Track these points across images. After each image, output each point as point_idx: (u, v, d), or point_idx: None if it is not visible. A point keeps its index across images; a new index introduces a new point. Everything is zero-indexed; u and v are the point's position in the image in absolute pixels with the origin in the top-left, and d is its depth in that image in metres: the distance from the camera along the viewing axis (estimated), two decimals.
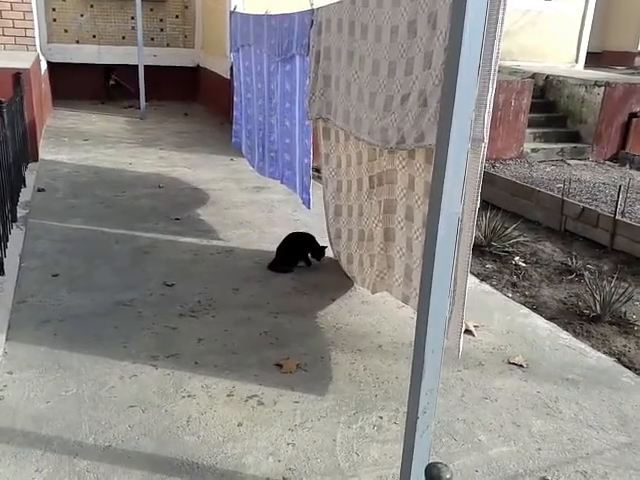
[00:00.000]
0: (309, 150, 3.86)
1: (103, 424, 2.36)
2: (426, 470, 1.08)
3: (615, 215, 5.33)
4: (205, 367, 2.78)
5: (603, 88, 7.86)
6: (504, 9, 1.87)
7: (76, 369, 2.71)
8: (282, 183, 4.52)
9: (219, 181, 6.01)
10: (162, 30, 10.56)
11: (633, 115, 8.14)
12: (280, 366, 2.81)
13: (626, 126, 8.19)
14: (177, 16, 10.60)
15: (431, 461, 1.42)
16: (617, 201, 5.36)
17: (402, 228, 2.86)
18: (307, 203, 4.02)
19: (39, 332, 2.99)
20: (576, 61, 10.22)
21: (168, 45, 10.69)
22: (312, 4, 3.68)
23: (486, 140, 2.14)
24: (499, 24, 1.94)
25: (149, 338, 3.01)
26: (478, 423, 2.48)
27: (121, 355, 2.84)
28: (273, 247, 4.30)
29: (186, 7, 10.60)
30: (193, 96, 10.77)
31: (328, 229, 3.88)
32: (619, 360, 3.27)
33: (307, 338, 3.09)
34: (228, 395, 2.59)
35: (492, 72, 2.03)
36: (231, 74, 8.81)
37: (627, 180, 6.76)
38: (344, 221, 3.54)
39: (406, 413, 1.90)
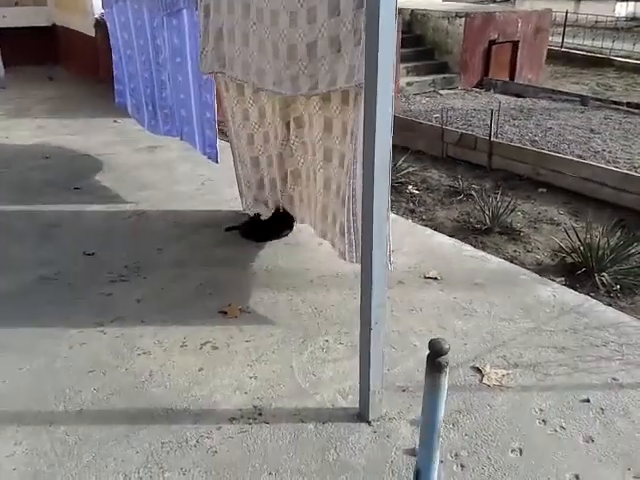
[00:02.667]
0: (210, 104, 3.86)
1: (68, 392, 2.42)
2: (430, 345, 1.33)
3: (490, 137, 5.87)
4: (152, 324, 2.88)
5: (464, 19, 8.38)
6: None
7: (22, 347, 2.70)
8: (182, 140, 4.51)
9: (109, 145, 5.84)
10: None
11: (492, 42, 8.78)
12: (224, 313, 2.97)
13: (487, 53, 8.84)
14: None
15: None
16: (491, 124, 5.88)
17: (320, 169, 3.06)
18: (214, 157, 4.05)
19: None
20: None
21: (16, 4, 9.83)
22: None
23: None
24: None
25: (87, 307, 3.04)
26: (410, 331, 2.82)
27: (64, 327, 2.86)
28: (184, 205, 4.37)
29: None
30: (54, 58, 10.06)
31: (243, 180, 3.93)
32: (513, 263, 3.76)
33: (242, 284, 3.26)
34: (182, 346, 2.73)
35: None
36: (96, 31, 8.39)
37: (497, 104, 7.37)
38: (265, 170, 3.64)
39: (360, 326, 2.16)
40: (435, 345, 1.32)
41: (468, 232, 4.40)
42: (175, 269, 3.43)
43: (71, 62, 9.65)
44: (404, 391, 2.43)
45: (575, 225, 4.48)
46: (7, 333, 2.81)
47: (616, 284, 3.61)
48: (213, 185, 4.72)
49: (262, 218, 3.72)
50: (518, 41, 9.15)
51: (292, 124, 3.18)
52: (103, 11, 7.93)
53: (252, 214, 3.88)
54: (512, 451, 2.14)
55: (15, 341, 2.75)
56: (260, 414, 2.30)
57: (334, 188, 2.97)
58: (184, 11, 3.86)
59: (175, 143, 5.63)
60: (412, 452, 2.12)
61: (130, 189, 4.67)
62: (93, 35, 8.46)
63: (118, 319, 2.93)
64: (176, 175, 5.02)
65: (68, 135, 6.15)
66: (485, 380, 2.49)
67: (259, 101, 3.45)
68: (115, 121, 6.61)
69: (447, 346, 1.32)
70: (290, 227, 3.77)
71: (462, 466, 2.08)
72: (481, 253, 3.68)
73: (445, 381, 1.39)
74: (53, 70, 9.58)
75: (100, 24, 8.22)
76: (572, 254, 3.90)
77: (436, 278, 3.30)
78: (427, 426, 1.45)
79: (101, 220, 4.11)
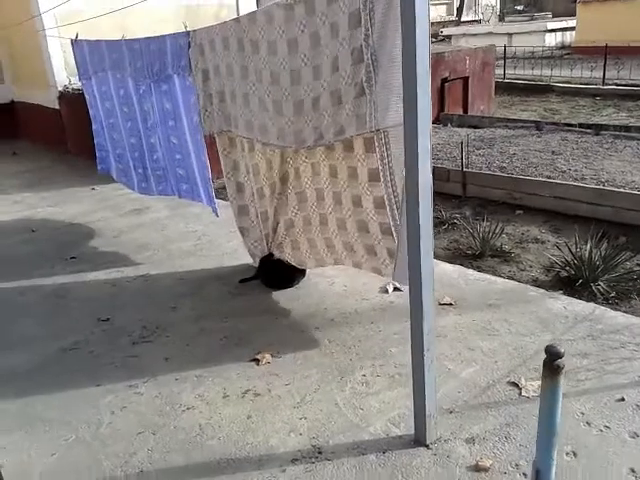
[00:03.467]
0: (206, 163, 4.00)
1: (122, 455, 2.42)
2: (546, 350, 1.44)
3: (462, 168, 6.15)
4: (187, 380, 2.90)
5: None
6: None
7: (62, 418, 2.68)
8: (180, 197, 4.58)
9: (93, 212, 5.85)
10: None
11: (445, 80, 9.24)
12: (256, 360, 3.02)
13: (441, 91, 9.28)
14: None
15: None
16: (462, 156, 6.18)
17: (331, 212, 3.19)
18: (216, 211, 4.14)
19: None
20: None
21: None
22: (186, 27, 3.85)
23: None
24: None
25: (116, 371, 3.04)
26: (442, 356, 2.92)
27: (99, 394, 2.85)
28: (185, 262, 4.41)
29: None
30: (14, 134, 10.03)
31: (243, 233, 4.00)
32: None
33: (265, 331, 3.31)
34: (224, 397, 2.76)
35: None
36: (60, 103, 8.46)
37: (459, 137, 7.72)
38: (272, 220, 3.74)
39: (411, 354, 2.26)
40: (551, 349, 1.43)
41: (462, 258, 4.57)
42: (194, 325, 3.46)
43: (34, 136, 9.65)
44: (451, 412, 2.52)
45: (558, 241, 4.72)
46: (43, 406, 2.78)
47: (612, 291, 3.82)
48: (210, 240, 4.79)
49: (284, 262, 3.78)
50: (468, 77, 9.65)
51: (290, 176, 3.33)
52: (67, 84, 8.10)
53: (256, 263, 3.96)
54: (567, 454, 2.24)
55: (53, 413, 2.72)
56: (320, 452, 2.35)
57: (356, 227, 3.09)
58: (174, 77, 4.01)
59: (160, 204, 5.73)
60: (475, 468, 2.21)
61: (127, 252, 4.69)
62: (57, 107, 8.52)
63: (151, 379, 2.94)
64: (170, 234, 5.07)
65: (48, 207, 6.14)
66: (524, 393, 2.61)
67: (253, 159, 3.57)
68: (93, 189, 6.64)
69: (562, 350, 1.44)
70: (303, 273, 3.85)
71: (524, 475, 2.17)
72: (486, 276, 3.85)
73: (562, 382, 1.49)
74: (16, 145, 9.54)
75: (64, 96, 8.32)
76: (566, 268, 4.11)
77: (451, 304, 3.43)
78: (545, 427, 1.54)
79: (106, 286, 4.12)
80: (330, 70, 2.71)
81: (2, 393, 2.90)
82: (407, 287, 3.59)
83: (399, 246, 2.82)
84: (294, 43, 2.83)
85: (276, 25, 2.88)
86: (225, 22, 3.31)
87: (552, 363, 1.44)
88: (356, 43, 2.56)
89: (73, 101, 7.97)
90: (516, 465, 2.22)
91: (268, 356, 3.04)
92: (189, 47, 3.66)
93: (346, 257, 3.27)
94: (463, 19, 27.17)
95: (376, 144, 2.77)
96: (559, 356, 1.43)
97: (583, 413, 2.45)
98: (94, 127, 5.57)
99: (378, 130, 2.68)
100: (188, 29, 3.68)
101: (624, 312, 3.41)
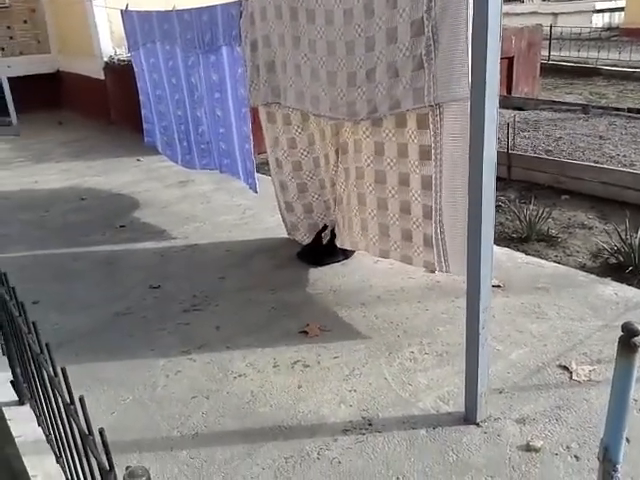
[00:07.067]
0: (249, 136, 4.00)
1: (177, 417, 2.50)
2: (623, 327, 1.44)
3: (508, 150, 6.06)
4: (238, 348, 2.97)
5: None
6: None
7: (119, 379, 2.78)
8: (221, 172, 4.63)
9: (139, 183, 5.95)
10: (12, 38, 9.86)
11: None
12: (305, 332, 3.07)
13: None
14: (25, 21, 9.93)
15: None
16: (508, 138, 6.08)
17: (371, 191, 3.18)
18: (254, 187, 4.16)
19: (58, 356, 2.97)
20: None
21: (21, 53, 10.01)
22: None
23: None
24: None
25: (169, 337, 3.13)
26: (490, 337, 2.91)
27: (154, 357, 2.94)
28: (231, 235, 4.48)
29: (33, 10, 9.95)
30: (59, 103, 10.22)
31: (286, 207, 4.05)
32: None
33: (313, 305, 3.36)
34: (274, 366, 2.82)
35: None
36: (105, 74, 8.57)
37: (503, 118, 7.59)
38: (315, 194, 3.77)
39: (465, 330, 2.27)
40: (629, 326, 1.43)
41: (507, 241, 4.53)
42: (242, 295, 3.52)
43: (78, 106, 9.80)
44: (501, 393, 2.54)
45: (606, 228, 4.64)
46: (99, 367, 2.89)
47: None
48: (255, 214, 4.84)
49: (323, 242, 3.83)
50: (513, 57, 9.44)
51: (340, 150, 3.33)
52: (112, 55, 8.18)
53: (301, 239, 4.00)
54: None
55: (110, 374, 2.83)
56: (370, 424, 2.39)
57: (398, 208, 3.09)
58: (223, 48, 4.02)
59: (204, 177, 5.79)
60: (526, 448, 2.22)
61: (174, 223, 4.77)
62: (102, 78, 8.63)
63: (203, 346, 3.02)
64: (215, 206, 5.14)
65: (96, 176, 6.26)
66: (575, 377, 2.60)
67: (308, 129, 3.59)
68: (138, 159, 6.74)
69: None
70: (345, 255, 3.87)
71: (576, 457, 2.18)
72: (535, 259, 3.82)
73: (637, 360, 1.49)
74: (61, 115, 9.73)
75: (109, 67, 8.42)
76: (615, 254, 4.05)
77: (499, 286, 3.42)
78: (617, 404, 1.54)
79: (155, 255, 4.21)
80: (385, 42, 2.68)
81: (62, 354, 3.00)
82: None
83: (447, 237, 2.82)
84: (350, 13, 2.81)
85: None
86: None
87: (629, 340, 1.43)
88: (417, 15, 2.52)
89: (118, 72, 8.07)
90: (567, 447, 2.23)
91: (316, 329, 3.09)
92: (241, 16, 3.65)
93: (376, 242, 3.23)
94: None
95: (430, 120, 2.74)
96: (636, 334, 1.42)
97: (636, 400, 2.44)
98: (141, 99, 5.63)
99: (434, 105, 2.66)
100: None
101: None
